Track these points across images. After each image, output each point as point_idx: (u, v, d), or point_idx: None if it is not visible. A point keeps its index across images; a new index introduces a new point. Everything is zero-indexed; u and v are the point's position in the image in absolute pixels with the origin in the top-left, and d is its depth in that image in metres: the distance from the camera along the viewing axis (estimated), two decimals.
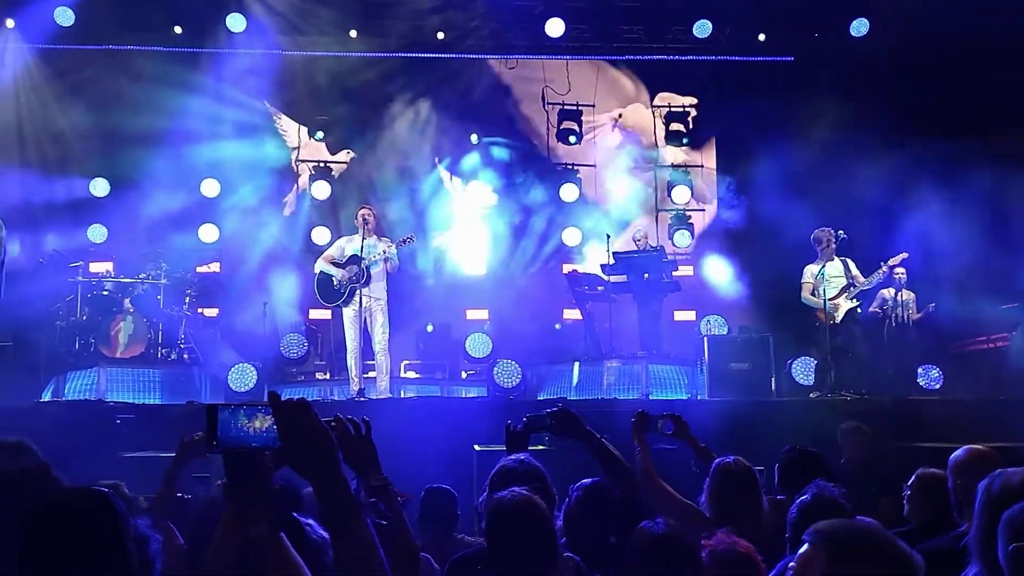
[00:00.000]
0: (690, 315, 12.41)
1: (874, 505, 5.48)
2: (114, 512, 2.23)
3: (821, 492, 3.28)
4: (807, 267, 10.18)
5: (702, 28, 12.51)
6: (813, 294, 10.03)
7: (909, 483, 4.42)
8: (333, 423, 2.17)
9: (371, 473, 2.52)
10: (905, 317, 10.87)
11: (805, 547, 1.91)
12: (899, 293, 10.85)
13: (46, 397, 9.54)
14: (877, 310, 10.92)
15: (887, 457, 6.71)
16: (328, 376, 11.14)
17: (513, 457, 3.47)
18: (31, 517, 2.20)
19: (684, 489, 4.21)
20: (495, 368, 10.11)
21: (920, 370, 10.32)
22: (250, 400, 1.96)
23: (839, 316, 9.91)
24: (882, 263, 9.96)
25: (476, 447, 7.20)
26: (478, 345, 11.37)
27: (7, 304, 8.96)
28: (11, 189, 10.87)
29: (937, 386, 10.26)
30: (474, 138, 13.40)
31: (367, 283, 9.58)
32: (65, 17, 11.73)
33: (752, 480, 3.98)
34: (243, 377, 10.00)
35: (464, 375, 11.66)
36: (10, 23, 12.01)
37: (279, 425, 1.76)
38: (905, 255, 10.23)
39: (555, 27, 12.50)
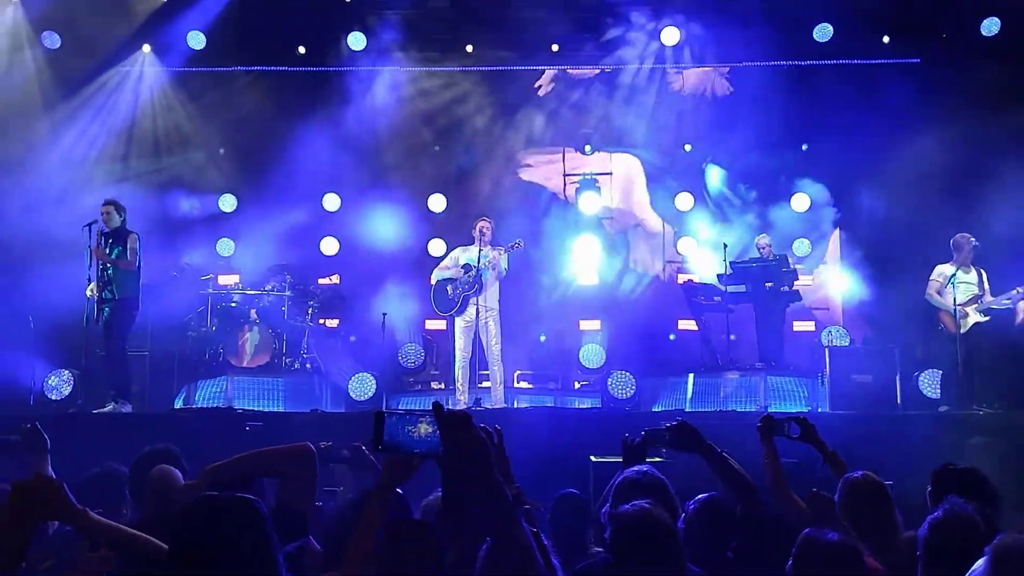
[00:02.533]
0: (809, 326, 12.10)
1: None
2: (260, 518, 2.35)
3: (954, 508, 3.16)
4: (938, 266, 9.84)
5: (823, 32, 12.23)
6: (939, 294, 9.68)
7: None
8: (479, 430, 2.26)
9: (505, 481, 2.57)
10: None
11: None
12: None
13: (178, 404, 9.99)
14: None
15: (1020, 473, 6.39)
16: (443, 385, 11.32)
17: (636, 468, 3.46)
18: (183, 520, 2.34)
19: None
20: (609, 379, 10.08)
21: None
22: (414, 410, 2.09)
23: (966, 326, 9.52)
24: (1018, 288, 9.55)
25: (592, 458, 7.19)
26: (591, 356, 11.35)
27: (144, 315, 9.49)
28: (148, 205, 11.41)
29: None
30: (588, 148, 13.40)
31: (479, 291, 9.70)
32: (197, 41, 12.29)
33: (884, 496, 3.85)
34: (363, 386, 10.24)
35: (577, 386, 11.65)
36: (147, 48, 12.64)
37: (443, 435, 1.87)
38: None
39: (671, 36, 12.43)
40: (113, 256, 9.03)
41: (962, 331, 9.52)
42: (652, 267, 13.41)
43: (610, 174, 13.66)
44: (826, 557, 2.83)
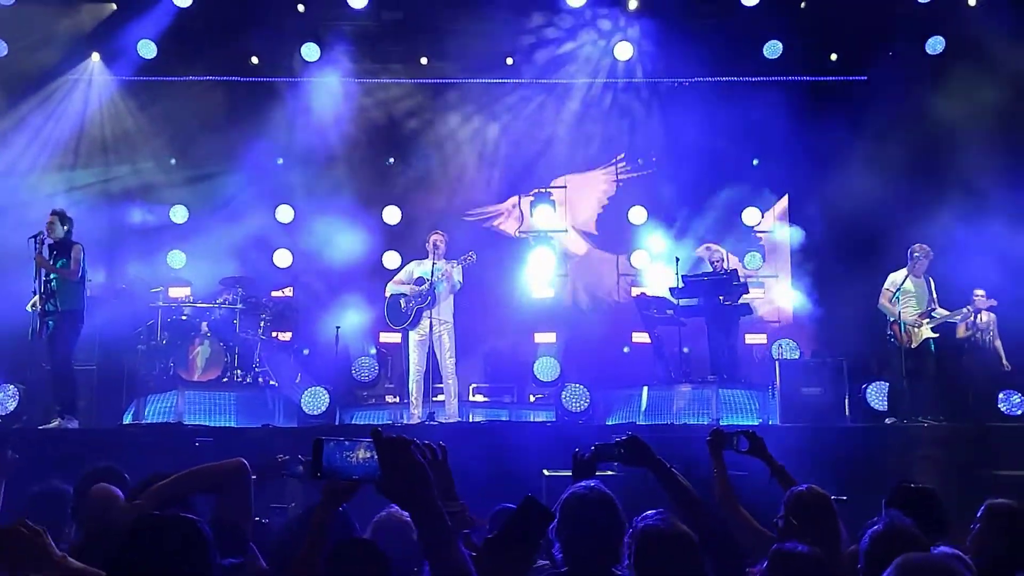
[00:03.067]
0: (761, 338, 12.26)
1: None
2: (202, 537, 2.34)
3: (893, 521, 3.21)
4: (891, 275, 10.05)
5: (772, 48, 12.42)
6: (891, 303, 9.88)
7: (979, 514, 4.28)
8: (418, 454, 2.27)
9: (447, 499, 2.58)
10: (985, 340, 10.59)
11: None
12: (978, 316, 10.58)
13: (127, 420, 9.83)
14: (967, 334, 10.64)
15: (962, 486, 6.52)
16: (398, 399, 11.25)
17: (584, 484, 3.46)
18: (125, 540, 2.32)
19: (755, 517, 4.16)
20: (563, 392, 10.10)
21: (1001, 395, 10.01)
22: (350, 430, 2.11)
23: (917, 340, 9.71)
24: (968, 307, 9.79)
25: (545, 472, 7.20)
26: (546, 369, 11.37)
27: (91, 328, 9.32)
28: (96, 216, 11.25)
29: (1019, 412, 9.92)
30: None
31: (432, 304, 9.68)
32: (147, 50, 12.15)
33: (828, 508, 3.89)
34: (316, 400, 10.15)
35: (532, 399, 11.66)
36: (96, 56, 12.47)
37: (381, 459, 1.88)
38: (993, 302, 10.07)
39: (624, 51, 12.55)
40: (57, 267, 8.86)
41: (913, 345, 9.70)
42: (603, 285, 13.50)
43: (564, 187, 13.73)
44: (796, 569, 2.88)
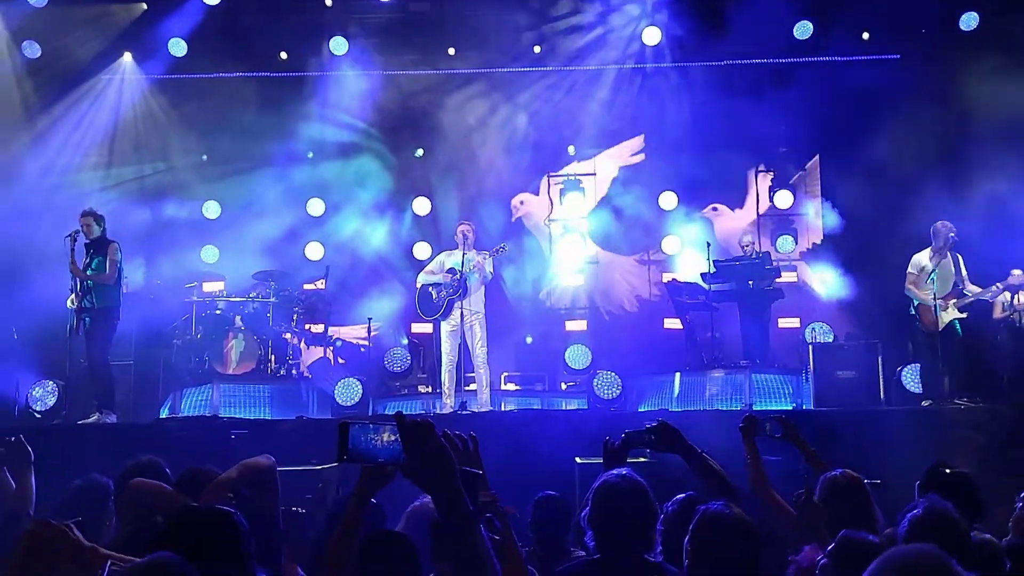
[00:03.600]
0: (794, 322, 12.16)
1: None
2: (238, 530, 2.39)
3: (933, 506, 3.18)
4: (915, 256, 9.90)
5: (802, 30, 12.30)
6: (916, 287, 9.78)
7: (1021, 496, 4.24)
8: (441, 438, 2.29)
9: (478, 489, 2.60)
10: (1022, 321, 10.44)
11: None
12: (1015, 297, 10.43)
13: (164, 414, 9.97)
14: (1003, 315, 10.50)
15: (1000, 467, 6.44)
16: (430, 389, 11.29)
17: (615, 472, 3.46)
18: (169, 532, 2.38)
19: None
20: (595, 380, 10.10)
21: None
22: (377, 417, 2.14)
23: (944, 322, 9.58)
24: (998, 284, 9.64)
25: (578, 459, 7.22)
26: (577, 356, 11.36)
27: (127, 323, 9.46)
28: (131, 213, 11.40)
29: None
30: (571, 150, 13.48)
31: (464, 295, 9.72)
32: (178, 48, 12.28)
33: (862, 493, 3.87)
34: (349, 391, 10.26)
35: (564, 387, 11.66)
36: (127, 56, 12.61)
37: (404, 443, 1.91)
38: (1018, 271, 9.92)
39: (652, 36, 12.48)
40: (93, 265, 8.99)
41: (939, 327, 9.59)
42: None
43: (594, 174, 13.70)
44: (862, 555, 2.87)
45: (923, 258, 9.83)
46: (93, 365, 9.05)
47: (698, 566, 2.97)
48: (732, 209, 13.27)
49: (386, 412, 10.52)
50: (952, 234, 9.68)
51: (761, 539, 3.06)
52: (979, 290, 9.71)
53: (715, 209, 13.14)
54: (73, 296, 9.07)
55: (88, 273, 8.98)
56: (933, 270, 9.65)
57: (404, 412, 2.00)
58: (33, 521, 2.47)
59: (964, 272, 9.74)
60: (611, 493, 3.27)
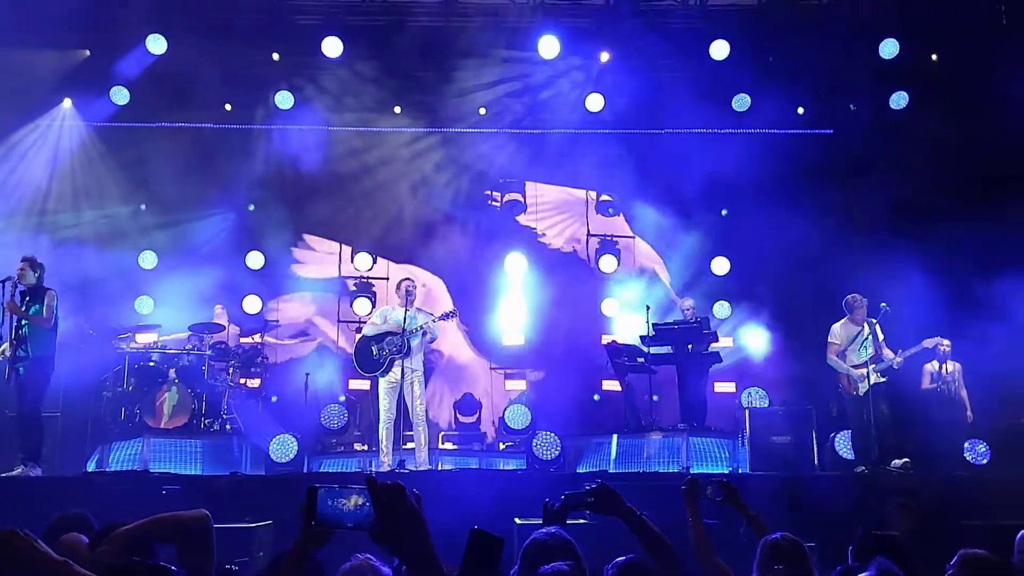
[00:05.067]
0: (730, 387, 12.32)
1: None
2: None
3: (883, 569, 3.20)
4: (832, 326, 10.17)
5: (741, 102, 12.67)
6: (839, 356, 10.02)
7: (951, 563, 4.31)
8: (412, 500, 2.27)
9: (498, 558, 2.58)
10: (951, 390, 10.71)
11: None
12: (943, 365, 10.73)
13: (91, 467, 9.68)
14: (932, 385, 10.77)
15: (936, 534, 6.54)
16: (367, 447, 11.16)
17: (544, 530, 3.46)
18: None
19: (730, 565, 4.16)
20: (534, 440, 10.08)
21: (967, 444, 10.11)
22: (343, 483, 2.09)
23: (863, 388, 9.81)
24: (901, 350, 9.91)
25: (517, 520, 7.16)
26: (517, 416, 11.35)
27: (57, 374, 9.19)
28: (65, 262, 11.16)
29: (984, 461, 10.02)
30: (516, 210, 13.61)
31: (407, 354, 9.67)
32: (120, 96, 12.17)
33: (802, 556, 3.91)
34: (284, 448, 10.07)
35: (502, 447, 11.62)
36: (67, 102, 12.47)
37: (377, 507, 1.87)
38: (946, 342, 10.23)
39: (595, 103, 12.73)
40: (30, 313, 8.76)
41: (859, 393, 9.81)
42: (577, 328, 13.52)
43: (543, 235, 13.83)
44: None
45: (838, 328, 10.10)
46: (23, 415, 8.77)
47: None
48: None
49: (321, 470, 10.37)
50: (863, 306, 9.97)
51: None
52: (892, 355, 9.95)
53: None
54: (6, 345, 8.80)
55: (27, 314, 8.72)
56: (865, 338, 9.88)
57: (368, 472, 1.98)
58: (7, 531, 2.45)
59: (881, 338, 10.00)
60: (539, 551, 3.26)
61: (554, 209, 14.00)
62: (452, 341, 13.05)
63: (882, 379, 9.83)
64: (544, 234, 13.90)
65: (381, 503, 1.88)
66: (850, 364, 9.94)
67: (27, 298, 8.84)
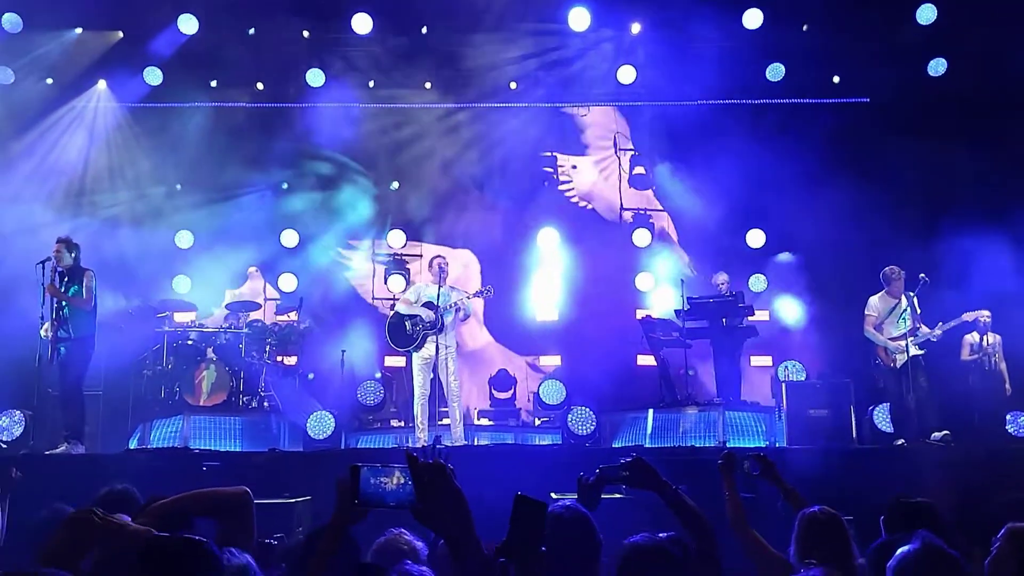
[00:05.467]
0: (766, 360, 12.23)
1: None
2: (215, 559, 2.35)
3: (927, 542, 3.15)
4: (870, 299, 10.07)
5: (775, 72, 12.48)
6: (876, 328, 9.92)
7: (998, 536, 4.24)
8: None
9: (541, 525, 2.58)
10: (992, 363, 10.56)
11: None
12: (984, 337, 10.57)
13: (133, 445, 9.83)
14: (972, 357, 10.62)
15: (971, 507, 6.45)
16: (403, 423, 11.23)
17: (560, 503, 3.45)
18: (141, 562, 2.34)
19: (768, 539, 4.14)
20: (569, 415, 10.08)
21: (1008, 416, 9.96)
22: (383, 460, 2.09)
23: (901, 360, 9.70)
24: (941, 323, 9.76)
25: (553, 495, 7.17)
26: (552, 392, 11.36)
27: (97, 353, 9.33)
28: (103, 242, 11.28)
29: None
30: (547, 184, 13.55)
31: (441, 330, 9.69)
32: (154, 76, 12.24)
33: (840, 529, 3.87)
34: (321, 425, 10.16)
35: (537, 422, 11.63)
36: (102, 84, 12.57)
37: (418, 486, 1.87)
38: (986, 313, 10.08)
39: (627, 75, 12.60)
40: (69, 294, 8.88)
41: (896, 365, 9.70)
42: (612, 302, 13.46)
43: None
44: None
45: (876, 300, 9.99)
46: (66, 394, 8.92)
47: None
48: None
49: (358, 446, 10.46)
50: (902, 276, 9.88)
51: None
52: (928, 330, 9.83)
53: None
54: (47, 325, 8.93)
55: (66, 296, 8.84)
56: (904, 311, 9.76)
57: (407, 448, 1.97)
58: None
59: (918, 311, 9.88)
60: (556, 524, 3.26)
61: (587, 182, 13.90)
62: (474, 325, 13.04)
63: (920, 351, 9.71)
64: (577, 204, 13.81)
65: (422, 482, 1.87)
66: (888, 337, 9.83)
67: (66, 279, 8.96)
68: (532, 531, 2.06)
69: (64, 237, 9.09)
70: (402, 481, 1.95)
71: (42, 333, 9.00)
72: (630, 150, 13.55)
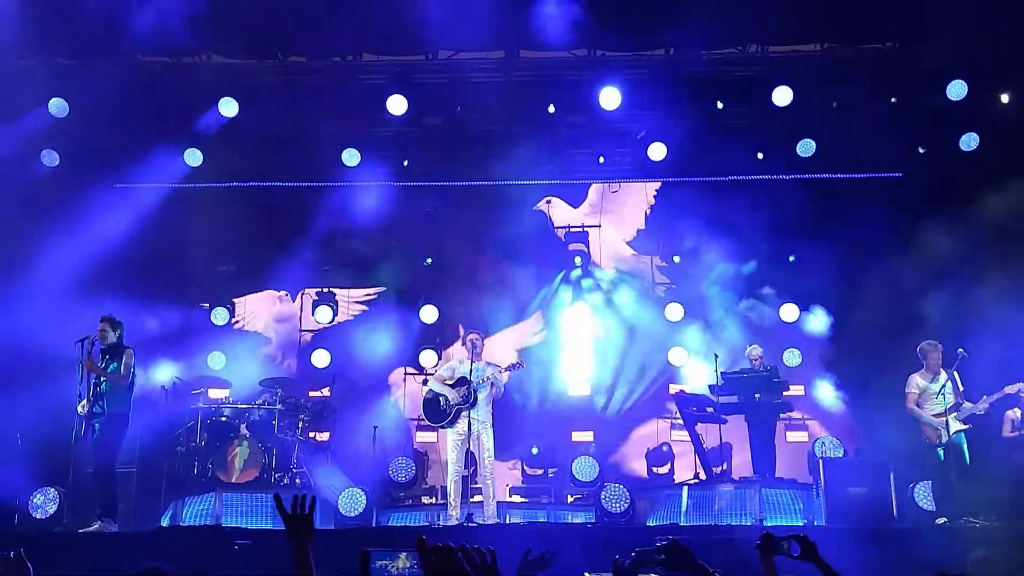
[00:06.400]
0: (802, 436, 12.06)
1: None
2: None
3: None
4: (911, 376, 9.93)
5: (806, 147, 12.52)
6: (918, 406, 9.76)
7: None
8: (459, 553, 2.23)
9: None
10: None
11: None
12: None
13: (165, 522, 9.81)
14: (1013, 434, 10.38)
15: None
16: (434, 500, 11.15)
17: None
18: None
19: None
20: (603, 493, 9.97)
21: None
22: (390, 547, 2.08)
23: (945, 436, 9.53)
24: (986, 396, 9.61)
25: (587, 575, 7.06)
26: (584, 468, 11.25)
27: (131, 429, 9.40)
28: (141, 319, 11.42)
29: None
30: (578, 260, 13.61)
31: (474, 405, 9.68)
32: (194, 158, 12.49)
33: None
34: (352, 502, 10.11)
35: (570, 499, 11.50)
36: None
37: (426, 569, 1.85)
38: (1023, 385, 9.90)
39: (657, 152, 12.68)
40: (108, 371, 8.98)
41: (942, 441, 9.53)
42: (644, 378, 13.38)
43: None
44: None
45: (917, 377, 9.90)
46: (99, 471, 8.97)
47: None
48: None
49: (390, 523, 10.37)
50: (940, 351, 9.78)
51: None
52: (972, 405, 9.68)
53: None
54: (84, 401, 9.03)
55: (104, 372, 8.94)
56: (942, 386, 9.63)
57: (417, 532, 1.96)
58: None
59: (960, 387, 9.74)
60: None
61: (615, 258, 13.96)
62: None
63: (964, 426, 9.55)
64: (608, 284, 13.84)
65: (430, 564, 1.86)
66: (931, 414, 9.68)
67: (106, 356, 9.09)
68: None
69: (108, 315, 9.23)
70: (408, 564, 1.94)
71: (79, 409, 9.09)
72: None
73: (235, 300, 13.26)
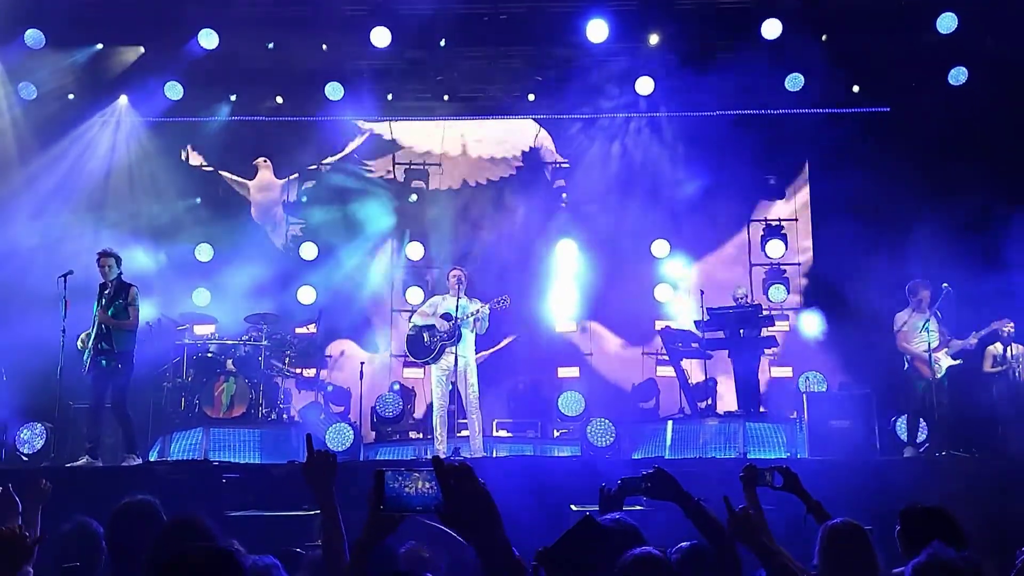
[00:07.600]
0: (787, 371, 12.15)
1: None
2: (238, 570, 2.34)
3: (937, 554, 3.13)
4: (896, 315, 9.99)
5: (794, 81, 12.39)
6: (907, 343, 9.86)
7: (1022, 549, 4.17)
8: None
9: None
10: (1017, 374, 10.43)
11: None
12: (1008, 348, 10.45)
13: (153, 457, 9.86)
14: (995, 369, 10.47)
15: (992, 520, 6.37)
16: (422, 435, 11.23)
17: (609, 516, 3.43)
18: (161, 571, 2.32)
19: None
20: (588, 427, 10.05)
21: None
22: (412, 466, 2.05)
23: (941, 371, 9.63)
24: (975, 332, 9.70)
25: (573, 507, 7.14)
26: (570, 403, 11.33)
27: None
28: (125, 254, 11.33)
29: None
30: (564, 196, 13.54)
31: (458, 341, 9.69)
32: (174, 92, 12.29)
33: (864, 541, 3.83)
34: (340, 437, 10.18)
35: (556, 434, 11.60)
36: (123, 99, 12.65)
37: (444, 489, 1.84)
38: (1010, 323, 9.96)
39: (645, 86, 12.54)
40: (112, 310, 8.79)
41: (938, 376, 9.63)
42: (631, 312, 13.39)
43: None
44: None
45: (904, 315, 9.94)
46: (117, 411, 8.88)
47: None
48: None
49: (377, 458, 10.45)
50: (927, 291, 9.80)
51: None
52: (960, 342, 9.77)
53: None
54: (85, 336, 8.93)
55: (111, 319, 8.78)
56: (926, 322, 9.69)
57: (436, 456, 1.95)
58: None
59: (940, 321, 9.84)
60: (605, 537, 3.23)
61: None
62: None
63: (956, 362, 9.67)
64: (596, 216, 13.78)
65: (448, 485, 1.85)
66: (920, 346, 9.74)
67: (107, 291, 8.90)
68: (581, 549, 2.04)
69: (109, 250, 9.00)
70: (427, 485, 1.92)
71: (78, 344, 8.98)
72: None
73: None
